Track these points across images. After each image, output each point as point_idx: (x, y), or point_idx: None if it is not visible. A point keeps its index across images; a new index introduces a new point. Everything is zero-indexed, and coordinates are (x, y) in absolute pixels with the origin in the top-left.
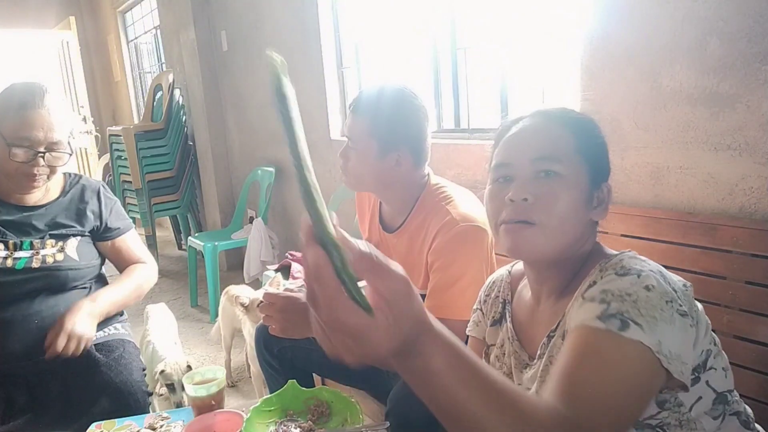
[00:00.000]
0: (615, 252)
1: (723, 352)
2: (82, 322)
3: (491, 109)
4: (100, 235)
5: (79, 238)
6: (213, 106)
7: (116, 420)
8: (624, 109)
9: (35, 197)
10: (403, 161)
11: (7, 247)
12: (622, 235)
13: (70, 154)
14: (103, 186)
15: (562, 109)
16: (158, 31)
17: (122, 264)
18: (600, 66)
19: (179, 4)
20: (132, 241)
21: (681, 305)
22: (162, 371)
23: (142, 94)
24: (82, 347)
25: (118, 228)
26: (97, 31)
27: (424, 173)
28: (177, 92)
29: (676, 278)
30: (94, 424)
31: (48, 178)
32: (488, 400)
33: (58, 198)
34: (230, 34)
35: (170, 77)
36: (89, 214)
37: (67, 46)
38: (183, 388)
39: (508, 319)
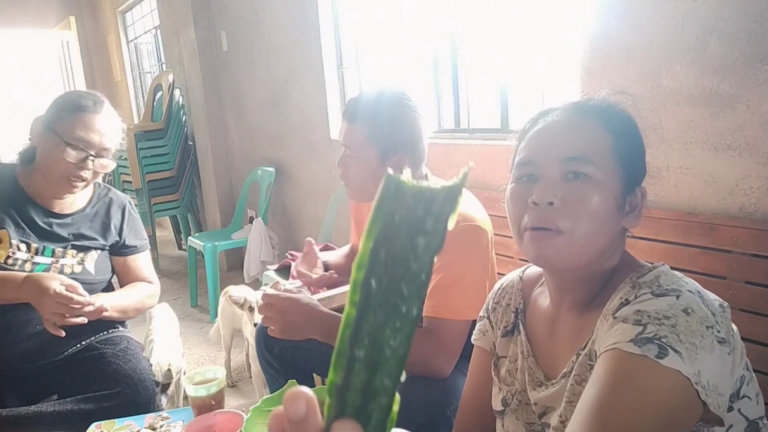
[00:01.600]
0: (647, 264)
1: (754, 376)
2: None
3: (491, 109)
4: (117, 250)
5: (99, 251)
6: (213, 106)
7: (116, 420)
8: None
9: (63, 204)
10: (404, 164)
11: (29, 250)
12: None
13: (117, 164)
14: (130, 202)
15: (601, 102)
16: (158, 31)
17: (128, 281)
18: (600, 66)
19: (179, 4)
20: (143, 261)
21: (719, 331)
22: None
23: (142, 94)
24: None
25: (135, 246)
26: (97, 31)
27: (422, 174)
28: (177, 92)
29: (712, 297)
30: (94, 424)
31: (86, 185)
32: None
33: (84, 208)
34: (230, 34)
35: (170, 77)
36: (113, 228)
37: (67, 46)
38: (164, 390)
39: (522, 331)
